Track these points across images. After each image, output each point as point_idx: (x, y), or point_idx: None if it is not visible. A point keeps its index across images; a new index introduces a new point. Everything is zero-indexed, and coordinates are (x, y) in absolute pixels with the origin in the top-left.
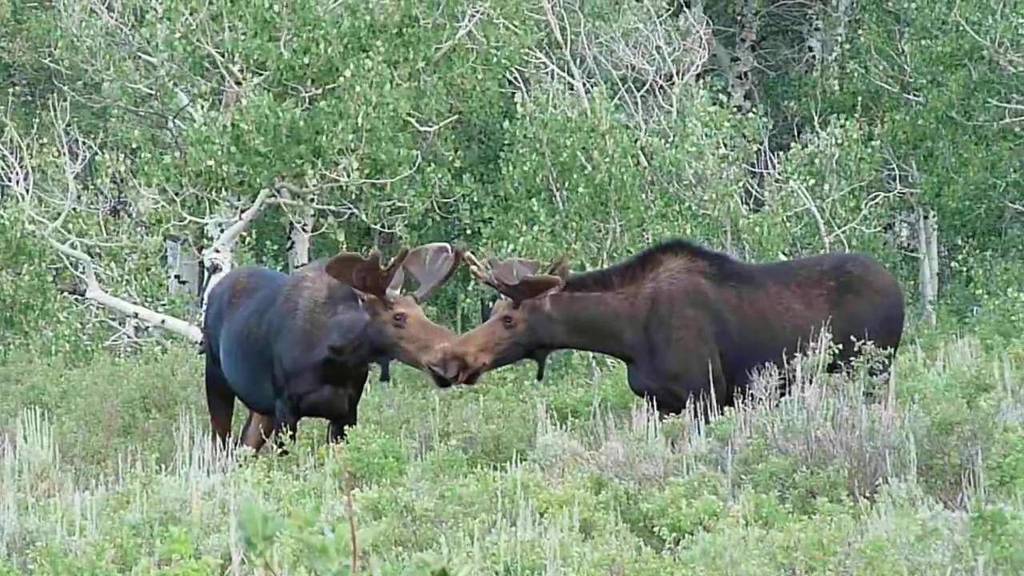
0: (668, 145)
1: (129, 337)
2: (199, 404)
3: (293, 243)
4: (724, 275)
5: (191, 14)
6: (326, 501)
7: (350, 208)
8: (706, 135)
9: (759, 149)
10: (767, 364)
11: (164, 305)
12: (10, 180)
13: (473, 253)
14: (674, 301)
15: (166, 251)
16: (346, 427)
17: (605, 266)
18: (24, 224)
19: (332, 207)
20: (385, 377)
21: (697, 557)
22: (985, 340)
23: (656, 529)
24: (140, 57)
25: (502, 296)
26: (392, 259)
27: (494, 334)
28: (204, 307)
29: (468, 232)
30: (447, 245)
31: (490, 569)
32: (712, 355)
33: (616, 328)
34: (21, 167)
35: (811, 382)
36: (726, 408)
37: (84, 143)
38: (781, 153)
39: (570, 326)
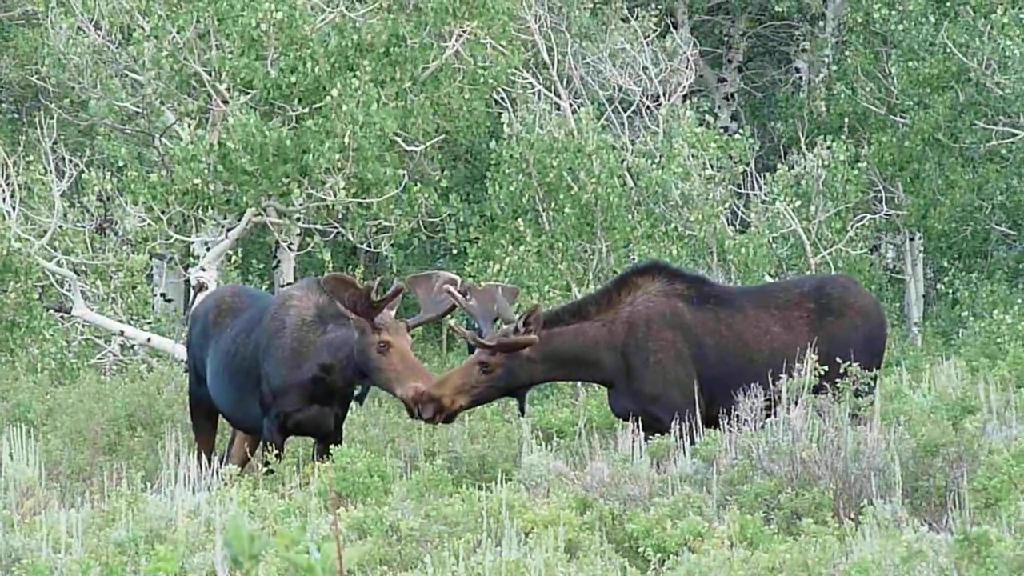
0: (654, 166)
1: (115, 355)
2: (185, 422)
3: (279, 262)
4: (702, 297)
5: (178, 32)
6: (311, 520)
7: (336, 227)
8: (692, 156)
9: (745, 170)
10: (746, 387)
11: (150, 323)
12: None
13: (459, 272)
14: (651, 324)
15: (152, 269)
16: (332, 446)
17: (591, 287)
18: (10, 242)
19: (318, 226)
20: (359, 399)
21: None
22: (971, 362)
23: (641, 550)
24: (127, 75)
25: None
26: (387, 291)
27: (471, 377)
28: (188, 326)
29: (454, 252)
30: (457, 278)
31: None
32: (690, 377)
33: (596, 356)
34: (7, 185)
35: (796, 403)
36: (711, 429)
37: (71, 161)
38: (767, 174)
39: (550, 363)
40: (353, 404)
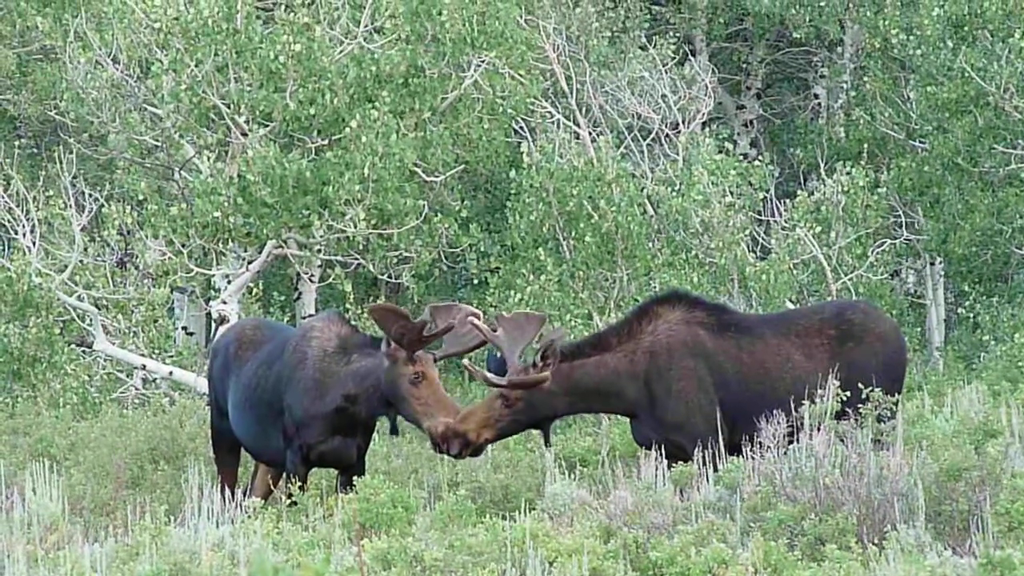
0: (674, 193)
1: (137, 389)
2: (207, 455)
3: (300, 294)
4: (723, 325)
5: (196, 65)
6: (336, 552)
7: (357, 258)
8: (712, 183)
9: (765, 197)
10: (767, 414)
11: (171, 357)
12: (17, 232)
13: (479, 304)
14: (673, 352)
15: (173, 303)
16: (355, 477)
17: (613, 315)
18: (31, 277)
19: (339, 257)
20: (394, 431)
21: None
22: (992, 386)
23: None
24: (146, 109)
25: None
26: (433, 325)
27: (493, 411)
28: (208, 359)
29: (475, 282)
30: (479, 313)
31: None
32: (713, 405)
33: (618, 387)
34: (28, 219)
35: (819, 429)
36: (734, 457)
37: (90, 195)
38: (787, 201)
39: (572, 396)
40: (376, 435)
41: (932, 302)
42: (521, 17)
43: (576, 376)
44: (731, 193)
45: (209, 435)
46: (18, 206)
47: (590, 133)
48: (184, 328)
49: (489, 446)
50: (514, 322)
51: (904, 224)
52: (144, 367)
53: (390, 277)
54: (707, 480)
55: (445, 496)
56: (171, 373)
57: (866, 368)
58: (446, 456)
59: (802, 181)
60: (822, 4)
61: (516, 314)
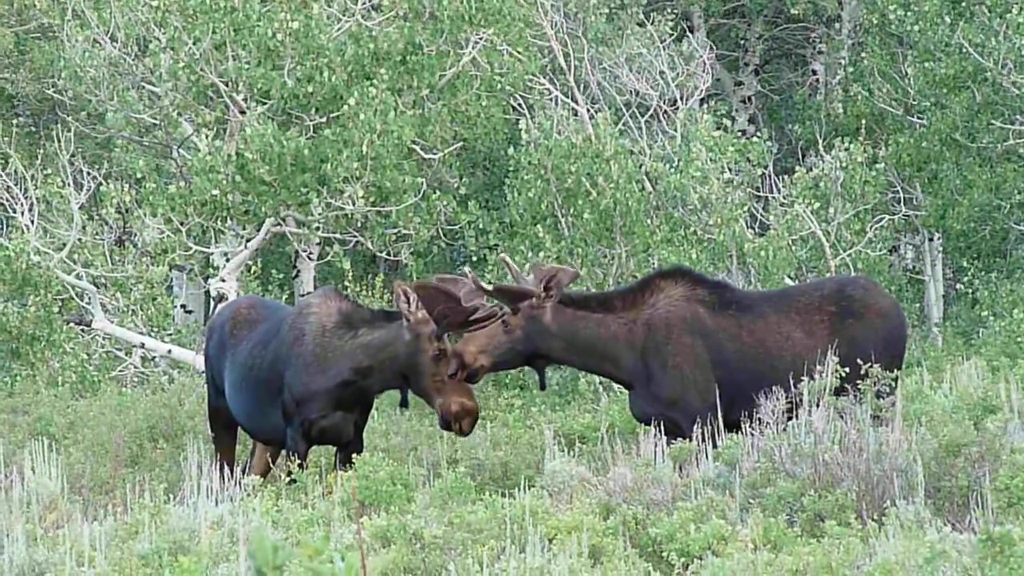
0: (673, 170)
1: (136, 367)
2: (206, 433)
3: (299, 271)
4: (723, 303)
5: (194, 43)
6: (335, 530)
7: (355, 236)
8: (710, 160)
9: (764, 173)
10: (767, 392)
11: (170, 335)
12: (15, 211)
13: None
14: (671, 328)
15: (172, 281)
16: (354, 455)
17: None
18: (29, 255)
19: (337, 235)
20: (404, 403)
21: None
22: (991, 362)
23: (665, 554)
24: (144, 87)
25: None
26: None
27: (493, 337)
28: (205, 338)
29: (474, 259)
30: (483, 286)
31: None
32: (709, 382)
33: (614, 352)
34: (26, 198)
35: (818, 405)
36: (733, 433)
37: (88, 173)
38: (786, 177)
39: (568, 342)
40: (374, 412)
41: (931, 278)
42: None
43: (577, 325)
44: (729, 169)
45: (206, 413)
46: (16, 184)
47: (588, 110)
48: (183, 306)
49: (488, 424)
50: (547, 271)
51: (902, 200)
52: (143, 345)
53: (389, 254)
54: (706, 456)
55: (444, 473)
56: (170, 351)
57: (866, 344)
58: (445, 432)
59: (800, 157)
60: None
61: (552, 266)
